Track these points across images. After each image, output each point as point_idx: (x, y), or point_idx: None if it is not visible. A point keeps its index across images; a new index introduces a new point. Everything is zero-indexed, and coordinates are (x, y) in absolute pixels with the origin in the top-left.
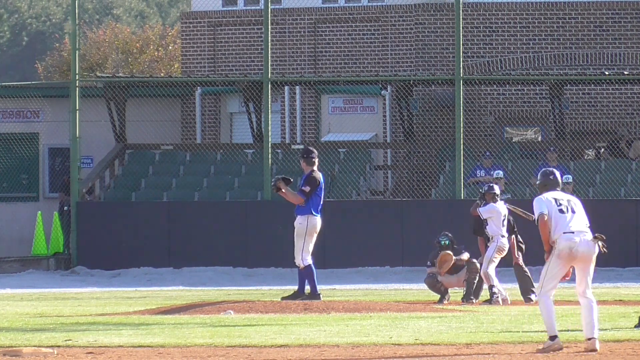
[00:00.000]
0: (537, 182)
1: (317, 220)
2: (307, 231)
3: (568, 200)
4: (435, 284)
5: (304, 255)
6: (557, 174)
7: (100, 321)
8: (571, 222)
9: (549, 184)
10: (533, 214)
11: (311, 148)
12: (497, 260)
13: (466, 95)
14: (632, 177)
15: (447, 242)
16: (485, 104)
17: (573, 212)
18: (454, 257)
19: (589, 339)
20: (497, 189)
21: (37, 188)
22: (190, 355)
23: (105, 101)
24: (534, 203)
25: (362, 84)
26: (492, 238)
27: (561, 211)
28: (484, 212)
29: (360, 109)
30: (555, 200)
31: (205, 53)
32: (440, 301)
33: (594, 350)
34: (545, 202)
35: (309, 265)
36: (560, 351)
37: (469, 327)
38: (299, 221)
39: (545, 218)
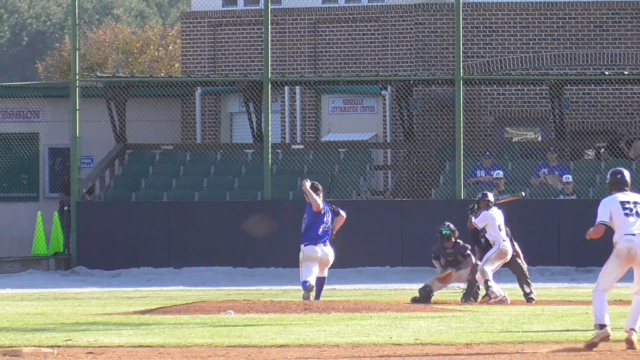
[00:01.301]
0: (607, 182)
1: (312, 249)
2: (304, 258)
3: (635, 203)
4: (427, 298)
5: (303, 277)
6: (626, 173)
7: (100, 321)
8: (634, 225)
9: (616, 183)
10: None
11: (316, 183)
12: (496, 264)
13: (466, 95)
14: (632, 177)
15: (448, 232)
16: (485, 104)
17: (638, 215)
18: (454, 275)
19: (628, 330)
20: (490, 196)
21: (37, 188)
22: (190, 355)
23: (105, 101)
24: (600, 205)
25: (362, 84)
26: (493, 243)
27: (626, 214)
28: (478, 222)
29: (360, 109)
30: (622, 203)
31: (205, 53)
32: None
33: (631, 341)
34: (610, 205)
35: (305, 281)
36: (609, 340)
37: (469, 327)
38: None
39: (602, 230)
